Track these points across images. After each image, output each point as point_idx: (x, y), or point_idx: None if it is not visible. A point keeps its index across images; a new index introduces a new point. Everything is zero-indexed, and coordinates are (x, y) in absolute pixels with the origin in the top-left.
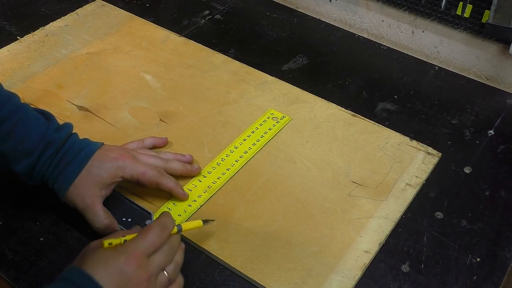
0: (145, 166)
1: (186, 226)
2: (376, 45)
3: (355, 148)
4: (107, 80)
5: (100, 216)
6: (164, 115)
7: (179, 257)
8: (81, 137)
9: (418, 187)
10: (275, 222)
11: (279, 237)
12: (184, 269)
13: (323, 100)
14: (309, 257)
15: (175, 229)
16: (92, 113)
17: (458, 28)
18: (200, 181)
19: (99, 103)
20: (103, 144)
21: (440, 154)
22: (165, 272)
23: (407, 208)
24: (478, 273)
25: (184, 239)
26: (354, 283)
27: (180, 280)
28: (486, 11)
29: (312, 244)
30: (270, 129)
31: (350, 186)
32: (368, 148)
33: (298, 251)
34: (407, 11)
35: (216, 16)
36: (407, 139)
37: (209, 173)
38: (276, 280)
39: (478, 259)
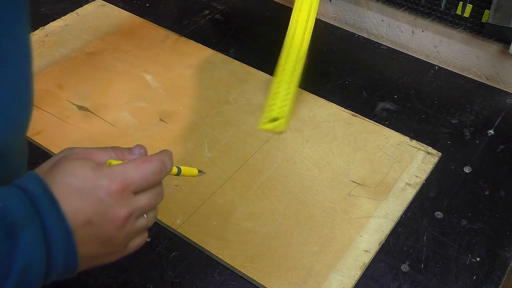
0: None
1: (184, 170)
2: (376, 45)
3: (355, 147)
4: (107, 80)
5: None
6: (164, 115)
7: (156, 210)
8: (82, 137)
9: (418, 187)
10: (275, 222)
11: (279, 236)
12: (184, 269)
13: (323, 99)
14: (309, 257)
15: (175, 170)
16: (92, 113)
17: (458, 28)
18: None
19: (99, 103)
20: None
21: (440, 153)
22: (146, 216)
23: (407, 208)
24: (478, 273)
25: (184, 239)
26: (354, 283)
27: (145, 233)
28: (486, 10)
29: (312, 244)
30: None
31: (350, 186)
32: (368, 147)
33: (298, 251)
34: (407, 11)
35: (216, 16)
36: (407, 138)
37: None
38: (276, 280)
39: (478, 259)
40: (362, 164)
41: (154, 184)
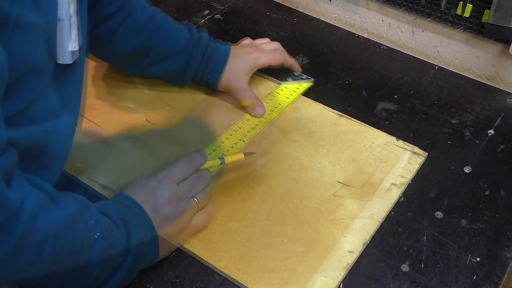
0: (272, 52)
1: (228, 159)
2: (376, 44)
3: (341, 148)
4: (92, 81)
5: (250, 94)
6: (150, 115)
7: (208, 189)
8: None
9: (403, 187)
10: (259, 222)
11: (263, 237)
12: (184, 269)
13: (309, 99)
14: (292, 258)
15: (218, 161)
16: (79, 114)
17: (458, 27)
18: None
19: (85, 104)
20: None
21: (426, 154)
22: (195, 199)
23: (407, 208)
24: (478, 273)
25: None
26: (337, 283)
27: (210, 208)
28: (486, 10)
29: (296, 244)
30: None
31: (336, 186)
32: (354, 148)
33: (282, 251)
34: (407, 11)
35: (216, 16)
36: (393, 139)
37: None
38: (259, 281)
39: (478, 259)
40: (348, 165)
41: (189, 174)
